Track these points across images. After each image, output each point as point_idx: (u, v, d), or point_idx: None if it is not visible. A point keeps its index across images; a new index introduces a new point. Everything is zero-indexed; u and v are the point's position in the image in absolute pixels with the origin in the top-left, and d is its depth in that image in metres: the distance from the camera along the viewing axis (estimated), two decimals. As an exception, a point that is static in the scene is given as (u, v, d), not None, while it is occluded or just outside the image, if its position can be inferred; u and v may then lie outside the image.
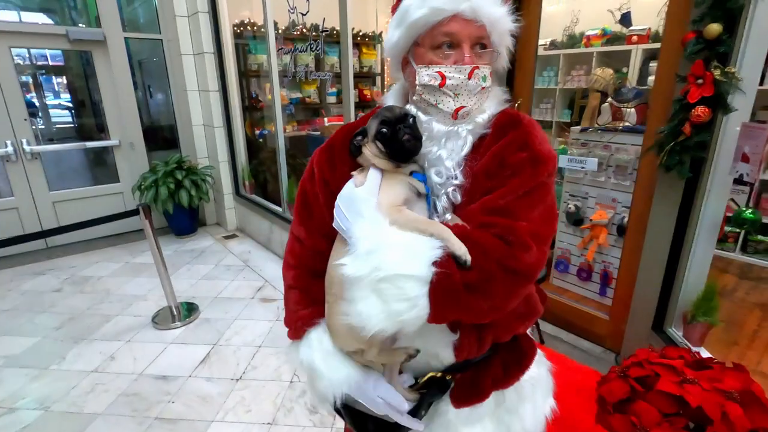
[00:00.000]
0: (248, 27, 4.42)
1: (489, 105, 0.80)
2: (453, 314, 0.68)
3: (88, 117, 4.53)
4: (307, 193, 0.87)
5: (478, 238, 0.67)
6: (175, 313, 2.87)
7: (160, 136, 4.77)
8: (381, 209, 0.69)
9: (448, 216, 0.76)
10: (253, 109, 4.70)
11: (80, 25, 4.19)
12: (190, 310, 2.98)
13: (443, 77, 0.74)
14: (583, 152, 2.67)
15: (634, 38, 3.74)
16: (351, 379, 0.76)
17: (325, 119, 4.20)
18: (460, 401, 0.82)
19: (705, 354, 1.82)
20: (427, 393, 0.80)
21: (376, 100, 5.72)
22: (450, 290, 0.64)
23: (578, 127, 2.72)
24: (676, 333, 1.95)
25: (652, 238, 1.95)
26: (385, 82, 5.82)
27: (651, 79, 3.57)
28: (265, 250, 4.06)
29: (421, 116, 0.79)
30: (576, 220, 2.80)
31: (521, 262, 0.67)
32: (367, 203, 0.70)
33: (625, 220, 2.53)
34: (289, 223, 3.61)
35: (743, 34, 1.53)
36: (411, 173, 0.77)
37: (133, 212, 2.69)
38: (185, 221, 4.39)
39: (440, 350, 0.78)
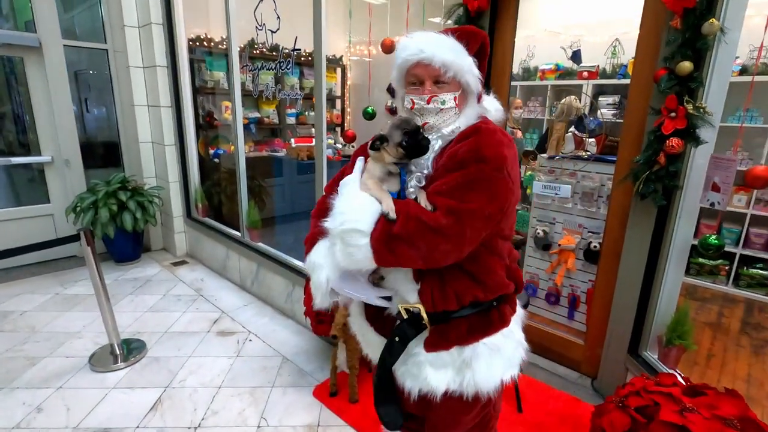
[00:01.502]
0: (205, 42, 4.23)
1: (462, 120, 1.06)
2: (389, 258, 0.96)
3: (12, 130, 4.04)
4: (345, 172, 1.16)
5: (411, 206, 0.96)
6: (118, 351, 2.53)
7: (99, 153, 4.35)
8: (362, 179, 1.04)
9: (411, 189, 1.04)
10: (208, 127, 4.46)
11: (6, 29, 3.76)
12: (135, 348, 2.65)
13: (413, 103, 1.07)
14: (550, 179, 2.75)
15: (585, 74, 4.01)
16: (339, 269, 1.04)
17: (292, 140, 4.06)
18: (430, 346, 1.07)
19: (679, 377, 1.85)
20: (399, 325, 1.07)
21: (335, 122, 5.69)
22: (381, 240, 0.94)
23: (546, 155, 2.82)
24: (652, 356, 1.99)
25: (627, 263, 2.01)
26: (345, 105, 5.81)
27: (601, 112, 3.82)
28: (220, 278, 3.76)
29: None
30: (544, 245, 2.86)
31: (438, 222, 0.91)
32: (350, 182, 1.04)
33: (592, 245, 2.61)
34: (249, 249, 3.40)
35: (709, 72, 1.64)
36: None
37: (71, 238, 2.37)
38: (128, 247, 3.98)
39: (408, 296, 1.05)
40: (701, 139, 1.65)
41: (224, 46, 4.31)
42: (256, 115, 4.79)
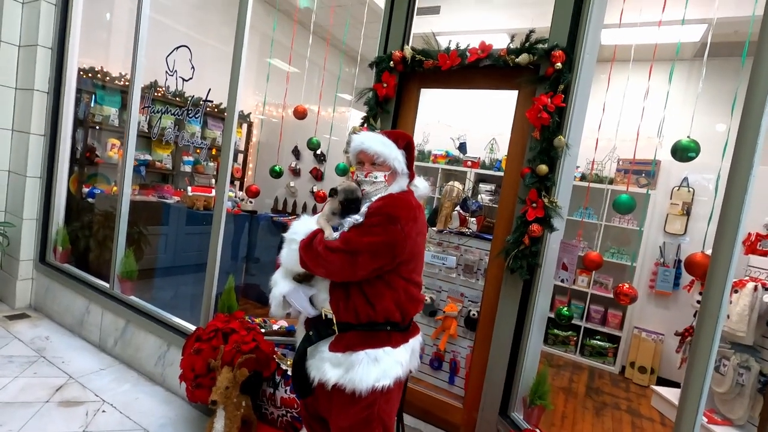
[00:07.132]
0: (99, 75, 3.95)
1: (389, 190, 1.53)
2: (305, 261, 1.44)
3: None
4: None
5: (323, 238, 1.44)
6: None
7: None
8: (318, 216, 1.56)
9: (346, 227, 1.47)
10: (87, 163, 4.02)
11: None
12: (-67, 424, 2.06)
13: (356, 175, 1.57)
14: (439, 250, 3.04)
15: (469, 163, 4.64)
16: (289, 286, 1.52)
17: (189, 188, 3.84)
18: (332, 347, 1.47)
19: (540, 435, 2.07)
20: (316, 324, 1.51)
21: (235, 176, 5.56)
22: (303, 248, 1.44)
23: (435, 228, 3.12)
24: (518, 417, 2.20)
25: (500, 330, 2.26)
26: (247, 160, 5.75)
27: (481, 196, 4.41)
28: (73, 336, 3.19)
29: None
30: (431, 311, 3.06)
31: (334, 245, 1.40)
32: (309, 217, 1.58)
33: (471, 312, 2.88)
34: (117, 302, 3.00)
35: (559, 175, 2.08)
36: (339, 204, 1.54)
37: None
38: (-55, 293, 3.20)
39: (324, 303, 1.49)
40: (554, 227, 2.04)
41: (121, 82, 4.08)
42: (148, 157, 4.48)
